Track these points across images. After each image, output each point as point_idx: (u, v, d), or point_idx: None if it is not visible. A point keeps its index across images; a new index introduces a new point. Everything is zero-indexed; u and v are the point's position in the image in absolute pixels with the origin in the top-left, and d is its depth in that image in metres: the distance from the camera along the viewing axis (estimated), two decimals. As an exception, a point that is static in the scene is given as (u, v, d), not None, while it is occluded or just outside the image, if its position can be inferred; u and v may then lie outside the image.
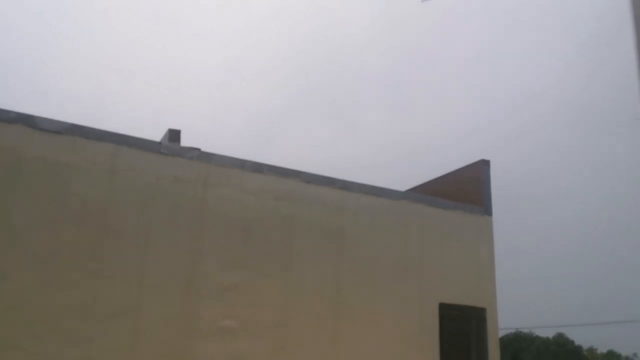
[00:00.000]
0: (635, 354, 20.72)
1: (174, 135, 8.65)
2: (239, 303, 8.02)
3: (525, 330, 21.66)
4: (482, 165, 10.37)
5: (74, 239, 7.27)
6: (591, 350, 20.99)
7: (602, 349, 20.84)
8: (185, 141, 8.78)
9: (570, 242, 64.71)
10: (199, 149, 8.36)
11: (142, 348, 7.37)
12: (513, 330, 22.00)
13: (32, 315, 6.83)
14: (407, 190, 11.22)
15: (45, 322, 6.90)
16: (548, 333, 21.15)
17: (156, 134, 9.12)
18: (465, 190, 10.46)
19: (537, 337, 21.17)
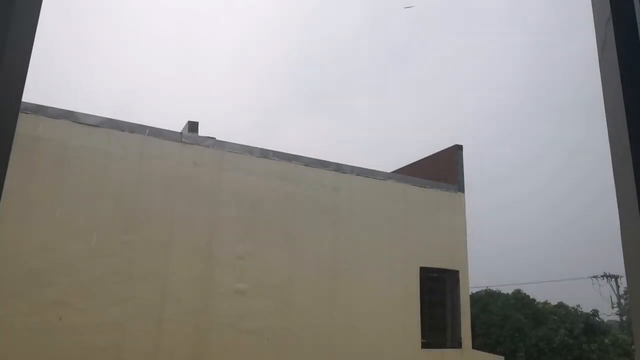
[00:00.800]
0: (579, 305, 22.27)
1: (192, 126, 9.03)
2: (249, 269, 8.55)
3: (494, 288, 23.51)
4: (456, 150, 10.90)
5: (111, 215, 7.78)
6: (544, 302, 22.77)
7: (552, 301, 22.67)
8: (202, 131, 9.15)
9: (529, 215, 68.12)
10: (214, 138, 8.77)
11: (169, 306, 7.91)
12: (484, 288, 23.81)
13: (79, 279, 7.36)
14: (392, 172, 11.71)
15: (89, 284, 7.42)
16: (510, 290, 23.08)
17: (177, 126, 9.50)
18: (442, 170, 10.94)
19: (502, 293, 22.86)
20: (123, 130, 8.15)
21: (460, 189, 10.80)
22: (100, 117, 8.06)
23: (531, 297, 23.01)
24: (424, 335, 9.87)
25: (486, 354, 11.49)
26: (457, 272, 10.38)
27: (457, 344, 10.29)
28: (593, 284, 32.08)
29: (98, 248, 7.65)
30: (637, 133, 0.81)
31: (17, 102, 0.90)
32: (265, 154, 9.19)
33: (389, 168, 12.20)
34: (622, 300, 31.02)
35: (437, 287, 10.29)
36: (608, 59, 0.81)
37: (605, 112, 0.91)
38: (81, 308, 7.39)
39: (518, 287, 23.72)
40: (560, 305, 22.64)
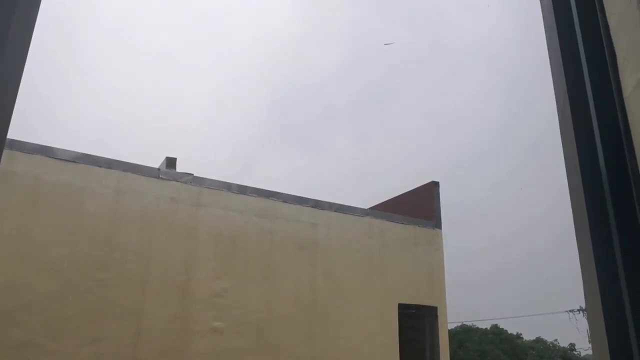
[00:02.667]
0: (556, 339, 22.37)
1: (170, 162, 9.09)
2: (226, 306, 8.43)
3: (469, 324, 23.51)
4: (433, 186, 11.06)
5: (85, 252, 7.63)
6: (518, 336, 22.87)
7: (530, 336, 22.81)
8: (180, 167, 9.20)
9: (506, 253, 68.34)
10: (192, 174, 8.76)
11: (144, 346, 7.74)
12: (460, 324, 23.79)
13: (49, 318, 7.18)
14: (369, 208, 11.70)
15: (61, 323, 7.23)
16: (487, 325, 23.08)
17: (155, 162, 9.51)
18: (419, 207, 11.01)
19: (478, 328, 22.86)
20: (100, 166, 8.09)
21: (438, 225, 10.89)
22: (77, 152, 8.01)
23: (509, 332, 23.10)
24: (402, 372, 9.76)
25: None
26: (435, 308, 10.37)
27: (436, 381, 10.20)
28: (570, 318, 32.30)
29: (71, 286, 7.49)
30: (590, 190, 0.89)
31: (1, 141, 0.91)
32: (243, 190, 9.19)
33: (367, 204, 12.26)
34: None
35: (416, 323, 10.23)
36: (566, 125, 0.89)
37: (565, 168, 0.99)
38: (52, 349, 7.18)
39: (495, 322, 23.82)
40: (539, 340, 22.74)
